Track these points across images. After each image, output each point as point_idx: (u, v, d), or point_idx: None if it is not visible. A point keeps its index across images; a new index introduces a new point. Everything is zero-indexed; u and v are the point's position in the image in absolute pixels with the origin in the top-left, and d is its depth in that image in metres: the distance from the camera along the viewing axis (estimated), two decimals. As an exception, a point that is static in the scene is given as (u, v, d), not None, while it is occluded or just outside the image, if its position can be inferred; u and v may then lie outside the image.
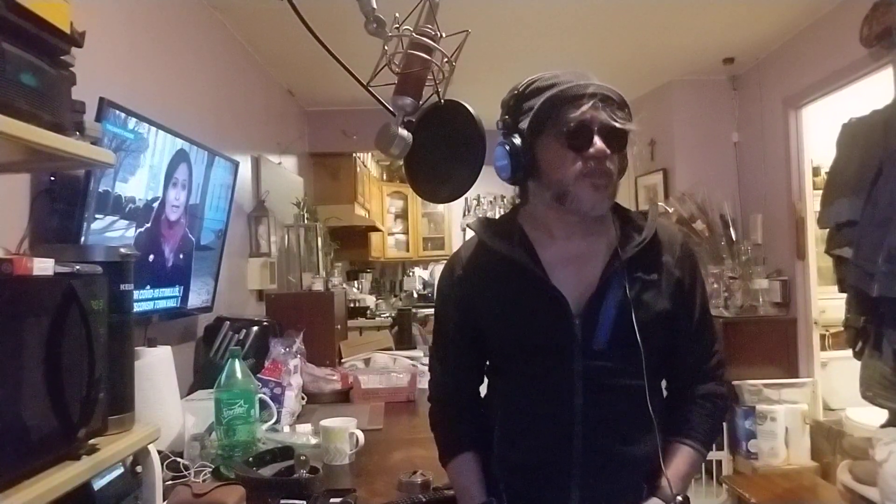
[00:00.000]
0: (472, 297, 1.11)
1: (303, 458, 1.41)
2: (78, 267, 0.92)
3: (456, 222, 6.19)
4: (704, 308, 1.11)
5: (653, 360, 1.03)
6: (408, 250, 6.19)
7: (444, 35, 1.01)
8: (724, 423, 1.08)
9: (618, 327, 1.01)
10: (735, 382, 3.25)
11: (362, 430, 1.64)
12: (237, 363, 1.61)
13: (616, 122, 0.99)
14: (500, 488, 1.08)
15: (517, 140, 1.04)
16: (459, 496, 1.12)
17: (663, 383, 1.13)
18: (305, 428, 1.86)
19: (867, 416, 2.66)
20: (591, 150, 0.99)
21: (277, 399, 1.89)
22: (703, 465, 1.11)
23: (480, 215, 2.45)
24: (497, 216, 1.25)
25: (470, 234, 1.16)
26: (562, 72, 1.04)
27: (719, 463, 3.25)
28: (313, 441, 1.71)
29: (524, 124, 1.03)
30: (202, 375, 2.20)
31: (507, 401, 1.11)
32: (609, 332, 1.02)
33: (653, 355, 1.03)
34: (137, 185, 1.69)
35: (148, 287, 1.80)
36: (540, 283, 1.04)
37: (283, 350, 2.09)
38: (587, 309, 1.02)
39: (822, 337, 3.47)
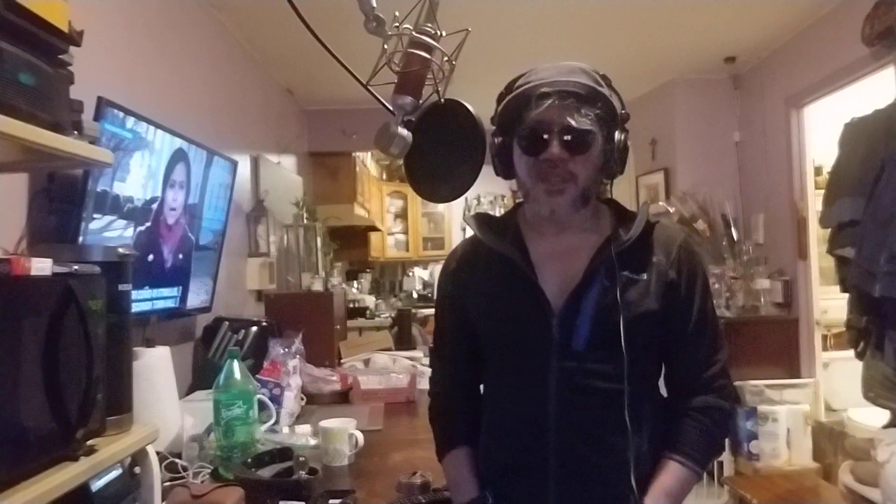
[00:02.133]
0: (464, 291, 1.12)
1: (302, 459, 1.41)
2: (76, 267, 0.92)
3: (456, 222, 6.18)
4: (704, 313, 1.05)
5: (637, 364, 1.00)
6: (407, 250, 6.18)
7: (444, 34, 1.01)
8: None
9: (597, 327, 0.99)
10: (737, 383, 3.24)
11: (361, 431, 1.63)
12: (236, 364, 1.60)
13: (573, 121, 0.96)
14: (487, 488, 1.08)
15: (497, 139, 1.06)
16: (452, 491, 1.12)
17: (661, 390, 1.09)
18: (304, 429, 1.86)
19: (869, 417, 2.66)
20: (544, 154, 0.98)
21: (276, 400, 1.89)
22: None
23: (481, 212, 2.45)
24: (498, 215, 1.25)
25: (470, 233, 1.16)
26: (545, 67, 1.03)
27: (720, 464, 3.24)
28: (312, 442, 1.71)
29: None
30: (201, 376, 2.20)
31: (491, 398, 1.11)
32: (588, 331, 0.99)
33: (638, 359, 1.00)
34: (136, 185, 1.68)
35: (146, 287, 1.80)
36: (524, 279, 1.03)
37: (282, 350, 2.09)
38: (566, 307, 1.00)
39: (824, 337, 3.46)
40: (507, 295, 1.05)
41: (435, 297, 1.20)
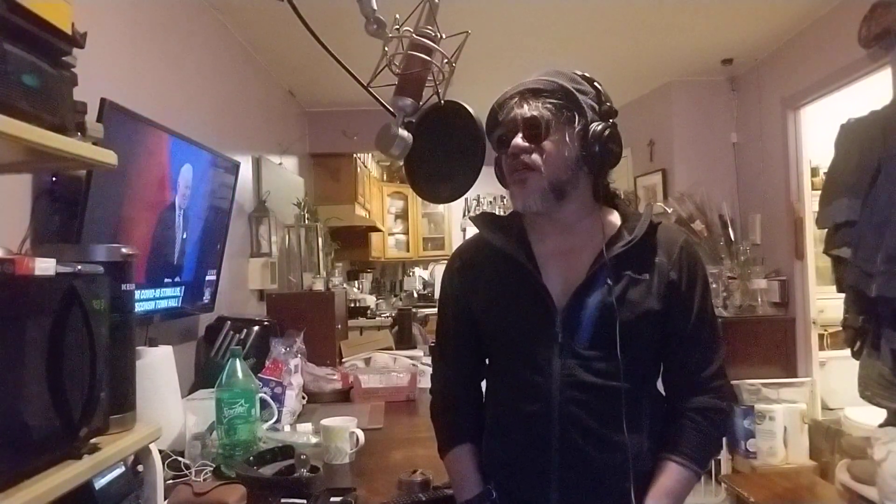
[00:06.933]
0: (468, 288, 1.13)
1: (303, 457, 1.41)
2: (80, 267, 0.92)
3: (456, 222, 6.19)
4: (703, 314, 1.06)
5: (638, 362, 1.01)
6: (408, 250, 6.19)
7: (444, 36, 1.02)
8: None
9: (600, 325, 1.00)
10: (734, 382, 3.22)
11: (362, 430, 1.64)
12: (238, 363, 1.61)
13: (525, 110, 1.00)
14: (490, 484, 1.09)
15: (495, 154, 1.10)
16: (456, 487, 1.13)
17: (660, 389, 1.10)
18: (306, 427, 1.86)
19: (865, 416, 2.67)
20: (509, 148, 1.02)
21: (278, 398, 1.90)
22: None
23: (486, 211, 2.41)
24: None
25: (470, 234, 1.17)
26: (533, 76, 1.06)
27: (718, 462, 3.26)
28: (314, 440, 1.71)
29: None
30: (203, 375, 2.20)
31: (494, 395, 1.12)
32: (591, 330, 1.00)
33: (639, 357, 1.01)
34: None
35: (149, 287, 1.80)
36: (529, 278, 1.04)
37: (283, 350, 2.10)
38: (570, 305, 1.02)
39: (821, 336, 3.47)
40: (511, 292, 1.06)
41: (437, 295, 1.22)
